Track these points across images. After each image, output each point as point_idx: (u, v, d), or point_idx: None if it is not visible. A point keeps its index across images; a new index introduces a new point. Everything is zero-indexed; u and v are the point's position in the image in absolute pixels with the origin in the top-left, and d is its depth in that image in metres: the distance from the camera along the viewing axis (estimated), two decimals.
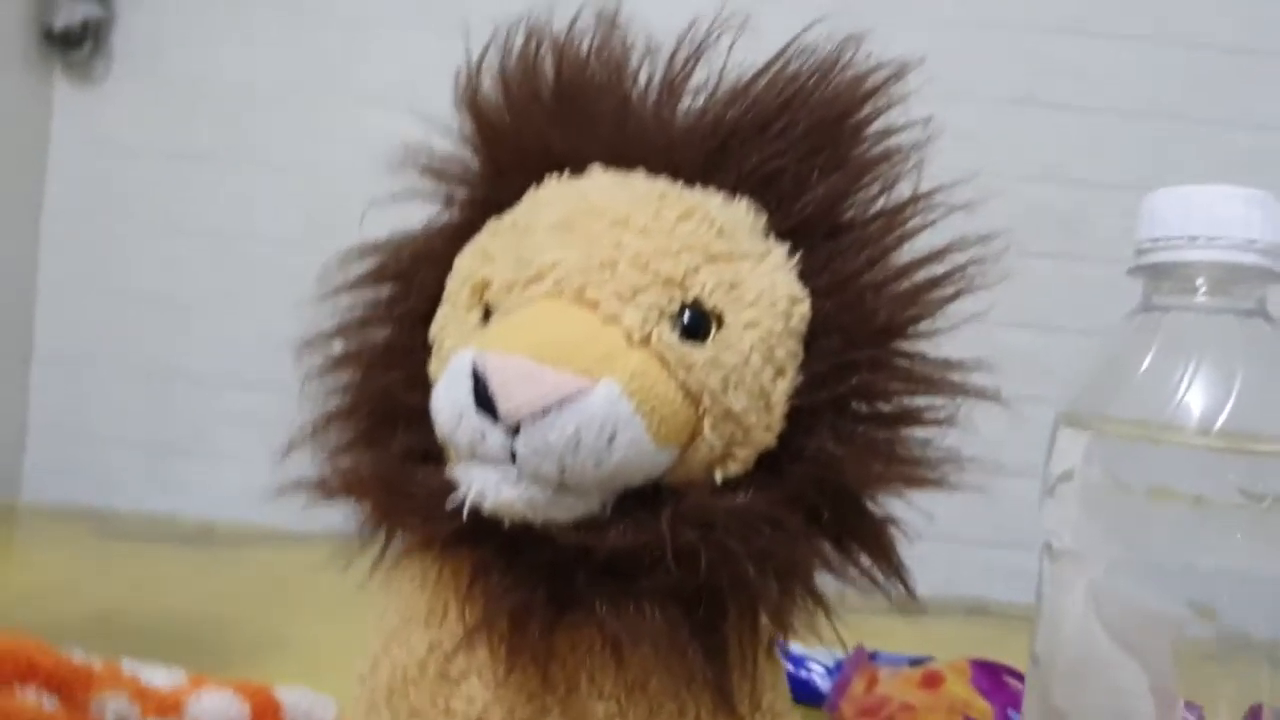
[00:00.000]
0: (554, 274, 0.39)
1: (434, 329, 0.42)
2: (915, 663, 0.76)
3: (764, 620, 0.41)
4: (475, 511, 0.37)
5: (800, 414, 0.41)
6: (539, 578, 0.38)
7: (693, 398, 0.38)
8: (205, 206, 1.40)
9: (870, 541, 0.41)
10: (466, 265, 0.42)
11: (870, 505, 0.41)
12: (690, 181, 0.42)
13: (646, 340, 0.38)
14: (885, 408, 0.42)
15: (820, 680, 0.78)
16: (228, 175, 1.40)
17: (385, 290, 0.46)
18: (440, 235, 0.45)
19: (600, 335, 0.38)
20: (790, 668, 0.79)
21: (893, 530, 0.41)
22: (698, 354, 0.38)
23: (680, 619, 0.38)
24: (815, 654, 0.80)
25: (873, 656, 0.78)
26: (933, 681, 0.72)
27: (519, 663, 0.39)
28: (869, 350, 0.41)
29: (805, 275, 0.41)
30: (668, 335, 0.38)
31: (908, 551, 0.42)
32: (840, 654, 0.79)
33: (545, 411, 0.35)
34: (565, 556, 0.38)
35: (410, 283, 0.45)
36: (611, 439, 0.36)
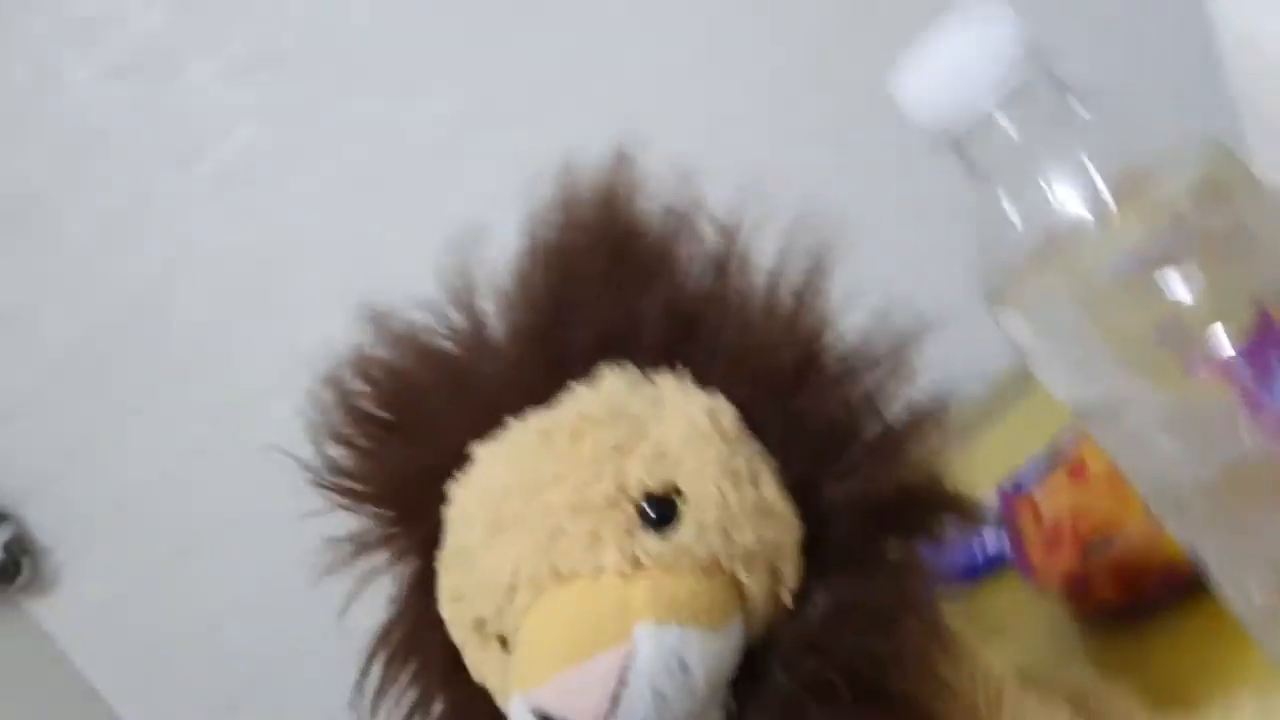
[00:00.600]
0: (522, 577, 0.39)
1: (476, 678, 0.42)
2: (1050, 460, 0.76)
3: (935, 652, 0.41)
4: None
5: (803, 487, 0.41)
6: None
7: (713, 568, 0.38)
8: None
9: (929, 514, 0.42)
10: (452, 613, 0.42)
11: (906, 483, 0.41)
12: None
13: (637, 562, 0.38)
14: (852, 419, 0.42)
15: (993, 542, 0.78)
16: None
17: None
18: (412, 597, 0.45)
19: (601, 594, 0.38)
20: (963, 553, 0.79)
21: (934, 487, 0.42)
22: (684, 533, 0.38)
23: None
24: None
25: (1016, 488, 0.77)
26: (1078, 471, 0.71)
27: None
28: (800, 389, 0.41)
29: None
30: (649, 543, 0.38)
31: None
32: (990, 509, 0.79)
33: (615, 699, 0.35)
34: None
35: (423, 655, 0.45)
36: (684, 666, 0.36)
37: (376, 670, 0.46)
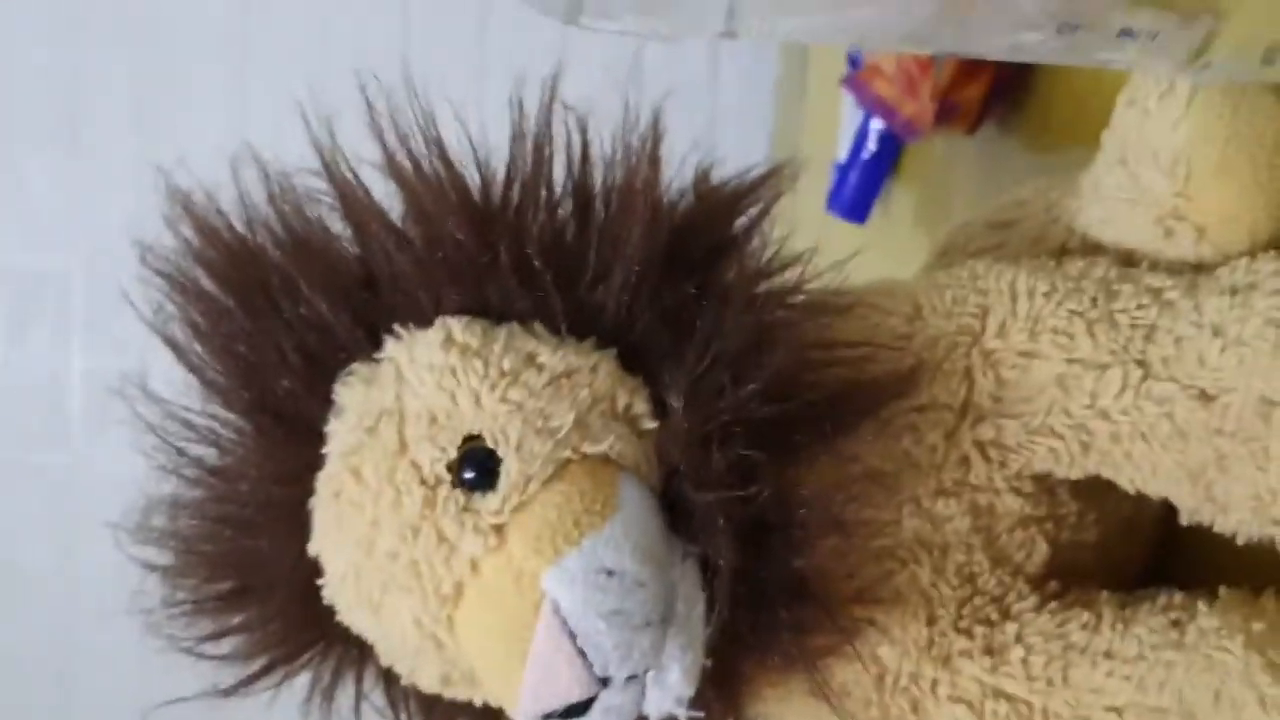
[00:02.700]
0: (427, 628, 0.36)
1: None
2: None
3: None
4: None
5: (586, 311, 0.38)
6: None
7: (561, 466, 0.36)
8: None
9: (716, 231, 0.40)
10: (428, 686, 0.40)
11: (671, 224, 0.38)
12: None
13: (495, 529, 0.35)
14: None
15: (872, 143, 0.75)
16: None
17: None
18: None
19: (492, 583, 0.35)
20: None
21: None
22: (510, 466, 0.35)
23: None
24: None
25: (854, 64, 0.74)
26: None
27: None
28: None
29: None
30: (489, 503, 0.35)
31: None
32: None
33: (580, 652, 0.34)
34: None
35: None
36: (608, 570, 0.34)
37: None
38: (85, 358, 1.29)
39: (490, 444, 0.35)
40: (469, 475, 0.35)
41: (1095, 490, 0.42)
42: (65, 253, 1.27)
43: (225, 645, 0.42)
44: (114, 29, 1.22)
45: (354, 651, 0.42)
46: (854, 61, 0.74)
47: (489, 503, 0.35)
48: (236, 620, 0.42)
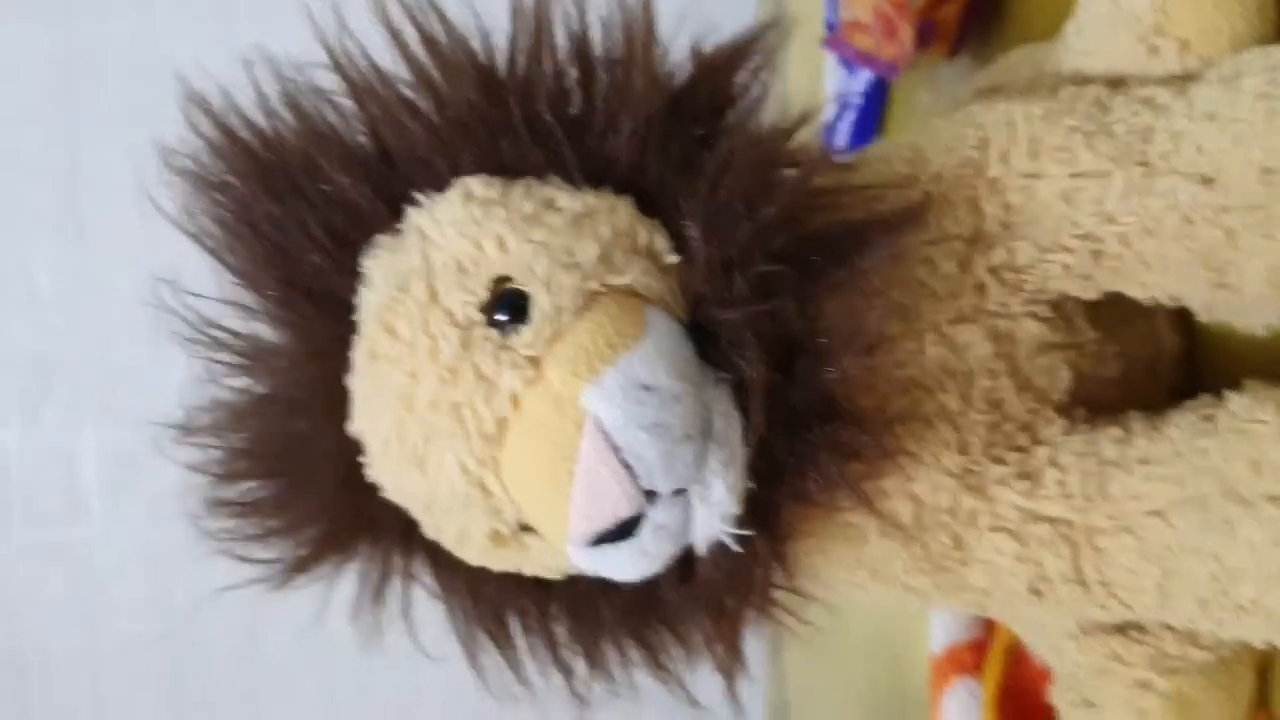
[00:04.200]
0: (473, 474, 0.37)
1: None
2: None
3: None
4: None
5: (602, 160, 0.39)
6: None
7: (589, 298, 0.37)
8: None
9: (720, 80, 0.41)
10: (479, 554, 0.40)
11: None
12: None
13: (532, 361, 0.36)
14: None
15: (860, 90, 0.77)
16: None
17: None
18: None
19: (535, 413, 0.36)
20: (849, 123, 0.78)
21: None
22: (539, 300, 0.36)
23: None
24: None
25: (831, 27, 0.76)
26: None
27: None
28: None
29: None
30: (524, 338, 0.36)
31: None
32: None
33: (625, 465, 0.35)
34: None
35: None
36: (645, 385, 0.35)
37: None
38: (98, 433, 1.30)
39: (519, 283, 0.36)
40: (501, 314, 0.36)
41: (1113, 319, 0.42)
42: (72, 335, 1.29)
43: (273, 547, 0.42)
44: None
45: (399, 546, 0.42)
46: (830, 26, 0.76)
47: (523, 337, 0.36)
48: (283, 520, 0.42)
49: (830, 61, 0.80)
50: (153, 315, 0.41)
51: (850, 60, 0.74)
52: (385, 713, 1.35)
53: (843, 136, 0.78)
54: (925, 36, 0.64)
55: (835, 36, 0.74)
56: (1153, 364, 0.45)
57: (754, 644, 0.43)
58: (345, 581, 0.43)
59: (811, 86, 0.84)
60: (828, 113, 0.79)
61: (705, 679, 0.43)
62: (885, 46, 0.69)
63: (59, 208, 1.28)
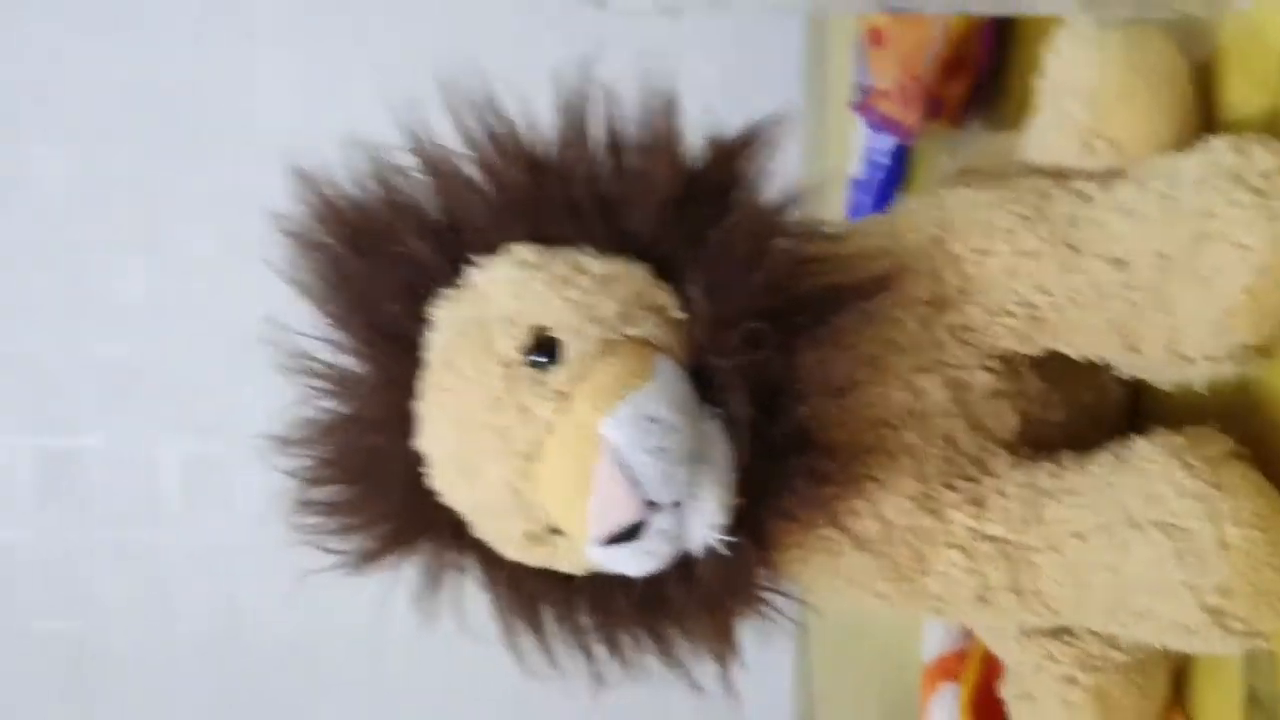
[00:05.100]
0: (514, 485, 0.45)
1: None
2: (860, 53, 0.83)
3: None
4: None
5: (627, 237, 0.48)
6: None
7: (608, 346, 0.45)
8: None
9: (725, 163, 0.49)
10: (518, 551, 0.48)
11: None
12: None
13: (561, 395, 0.44)
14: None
15: (883, 155, 0.86)
16: None
17: None
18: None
19: (563, 435, 0.44)
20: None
21: None
22: (569, 347, 0.45)
23: None
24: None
25: (862, 92, 0.84)
26: (877, 38, 0.79)
27: None
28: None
29: None
30: (555, 376, 0.45)
31: None
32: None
33: (633, 480, 0.43)
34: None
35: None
36: (652, 417, 0.43)
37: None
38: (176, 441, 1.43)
39: (554, 332, 0.45)
40: (539, 357, 0.45)
41: (1058, 372, 0.50)
42: (154, 350, 1.41)
43: (350, 541, 0.52)
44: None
45: (453, 543, 0.51)
46: (862, 89, 0.85)
47: (556, 375, 0.45)
48: (359, 519, 0.51)
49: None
50: (263, 347, 0.51)
51: (875, 123, 0.82)
52: (433, 715, 1.46)
53: (869, 192, 0.87)
54: (934, 110, 0.72)
55: (863, 101, 0.82)
56: (1097, 410, 0.53)
57: (782, 650, 0.51)
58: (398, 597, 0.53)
59: (845, 141, 0.92)
60: (858, 170, 0.88)
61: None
62: (904, 113, 0.77)
63: (147, 232, 1.41)
